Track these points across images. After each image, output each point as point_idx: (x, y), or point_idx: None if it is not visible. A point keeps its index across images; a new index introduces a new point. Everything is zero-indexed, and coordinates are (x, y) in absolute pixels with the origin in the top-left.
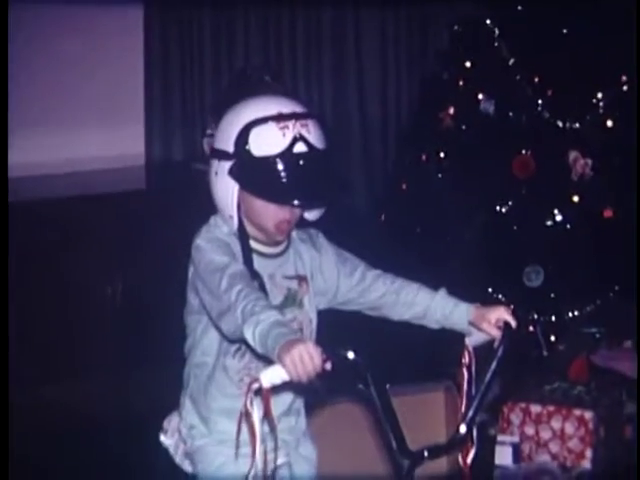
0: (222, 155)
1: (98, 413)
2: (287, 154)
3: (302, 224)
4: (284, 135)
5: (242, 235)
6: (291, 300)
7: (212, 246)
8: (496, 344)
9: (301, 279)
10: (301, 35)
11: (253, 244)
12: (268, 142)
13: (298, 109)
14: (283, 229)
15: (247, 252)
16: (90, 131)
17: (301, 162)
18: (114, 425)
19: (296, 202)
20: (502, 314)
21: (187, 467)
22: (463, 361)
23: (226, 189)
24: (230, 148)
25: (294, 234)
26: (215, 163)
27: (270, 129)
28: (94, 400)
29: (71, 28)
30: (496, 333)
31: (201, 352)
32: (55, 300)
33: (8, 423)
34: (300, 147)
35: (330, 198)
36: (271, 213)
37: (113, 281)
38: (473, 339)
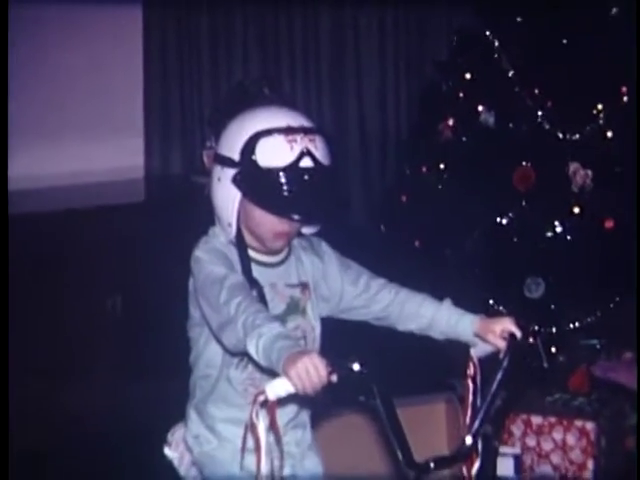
0: (226, 162)
1: (99, 426)
2: (293, 168)
3: (301, 234)
4: (292, 148)
5: (240, 243)
6: (294, 308)
7: (210, 257)
8: (501, 355)
9: (304, 287)
10: (299, 46)
11: (253, 254)
12: (275, 154)
13: (306, 123)
14: (281, 239)
15: (245, 260)
16: (89, 144)
17: (306, 177)
18: (116, 438)
19: (296, 217)
20: (507, 325)
21: (193, 477)
22: (468, 372)
23: (227, 196)
24: (235, 156)
25: (295, 242)
26: (218, 169)
27: (278, 141)
28: (95, 413)
29: (69, 41)
30: (501, 344)
31: (205, 364)
32: (54, 313)
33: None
34: (306, 162)
35: (330, 215)
36: (270, 224)
37: (113, 294)
38: (478, 350)
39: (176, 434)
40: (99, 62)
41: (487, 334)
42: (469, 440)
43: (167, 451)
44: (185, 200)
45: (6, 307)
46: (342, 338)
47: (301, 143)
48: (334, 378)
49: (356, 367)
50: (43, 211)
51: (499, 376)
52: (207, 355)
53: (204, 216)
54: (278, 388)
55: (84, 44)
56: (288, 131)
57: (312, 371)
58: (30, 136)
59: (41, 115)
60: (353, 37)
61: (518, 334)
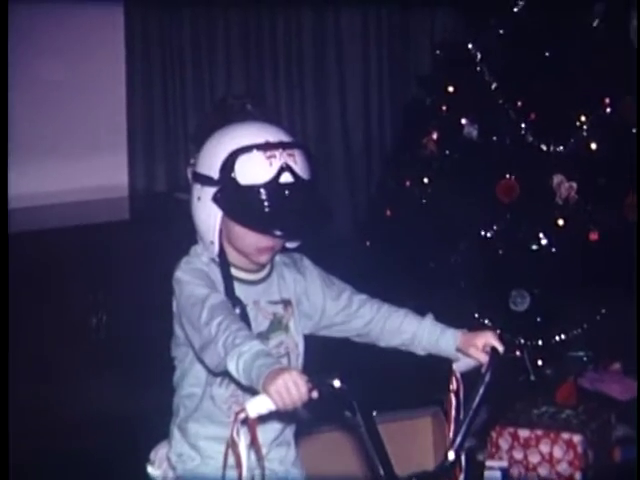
0: (206, 180)
1: (82, 444)
2: (273, 184)
3: (285, 249)
4: (271, 165)
5: (222, 261)
6: (277, 325)
7: (191, 278)
8: (483, 369)
9: (286, 303)
10: (283, 61)
11: (235, 272)
12: (254, 171)
13: (285, 138)
14: (266, 254)
15: (227, 278)
16: (72, 163)
17: (286, 192)
18: (99, 456)
19: (278, 232)
20: (489, 339)
21: None
22: (451, 387)
23: (208, 215)
24: (215, 174)
25: (277, 258)
26: (197, 188)
27: (257, 158)
28: (78, 430)
29: (50, 59)
30: (483, 358)
31: (189, 383)
32: (39, 331)
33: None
34: (286, 177)
35: (313, 230)
36: (253, 240)
37: (97, 312)
38: (460, 365)
39: (159, 452)
40: (81, 81)
41: (469, 348)
42: (451, 455)
43: (150, 470)
44: (170, 218)
45: (6, 323)
46: (327, 355)
47: (280, 159)
48: (315, 394)
49: (337, 383)
50: (26, 230)
51: (481, 390)
52: (192, 374)
53: (189, 234)
54: (258, 405)
55: (65, 63)
56: (266, 147)
57: (292, 388)
58: (13, 156)
59: (23, 135)
60: (336, 50)
61: (500, 348)
